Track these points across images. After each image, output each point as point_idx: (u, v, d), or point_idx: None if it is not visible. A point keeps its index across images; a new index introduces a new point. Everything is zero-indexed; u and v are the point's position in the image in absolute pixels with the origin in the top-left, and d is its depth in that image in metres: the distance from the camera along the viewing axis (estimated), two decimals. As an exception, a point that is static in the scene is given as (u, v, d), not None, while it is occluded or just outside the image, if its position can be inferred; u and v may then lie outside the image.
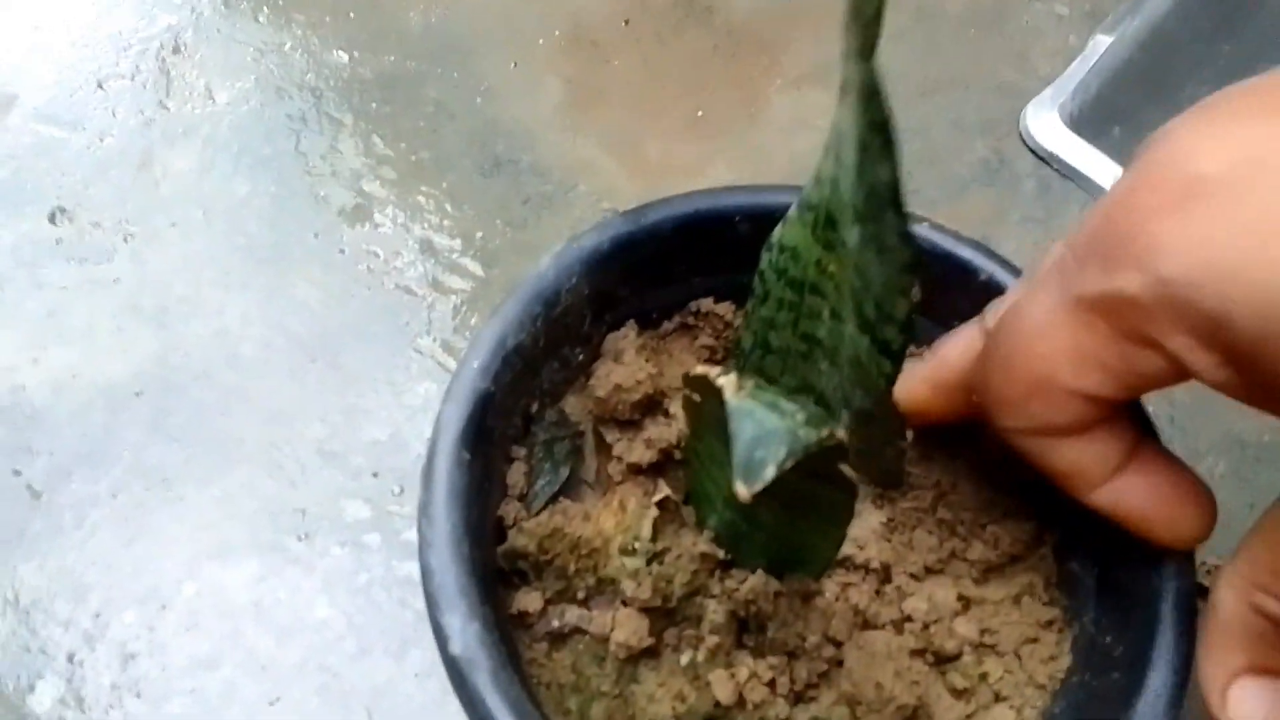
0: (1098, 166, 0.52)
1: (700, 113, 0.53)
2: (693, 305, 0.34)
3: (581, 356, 0.33)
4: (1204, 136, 0.23)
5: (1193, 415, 0.45)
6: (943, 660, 0.29)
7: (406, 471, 0.42)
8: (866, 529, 0.31)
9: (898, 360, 0.24)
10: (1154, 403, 0.46)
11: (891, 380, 0.25)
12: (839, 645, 0.29)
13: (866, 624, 0.29)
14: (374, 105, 0.51)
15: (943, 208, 0.51)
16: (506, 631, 0.28)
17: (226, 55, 0.52)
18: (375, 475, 0.42)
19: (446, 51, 0.53)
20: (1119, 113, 0.50)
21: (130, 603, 0.39)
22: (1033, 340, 0.25)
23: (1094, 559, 0.31)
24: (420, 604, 0.38)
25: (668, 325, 0.34)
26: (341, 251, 0.47)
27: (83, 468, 0.41)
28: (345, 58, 0.53)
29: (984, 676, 0.29)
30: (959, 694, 0.29)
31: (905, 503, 0.32)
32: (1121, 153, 0.51)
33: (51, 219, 0.47)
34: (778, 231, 0.27)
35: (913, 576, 0.31)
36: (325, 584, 0.39)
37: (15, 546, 0.39)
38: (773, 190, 0.33)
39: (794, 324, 0.28)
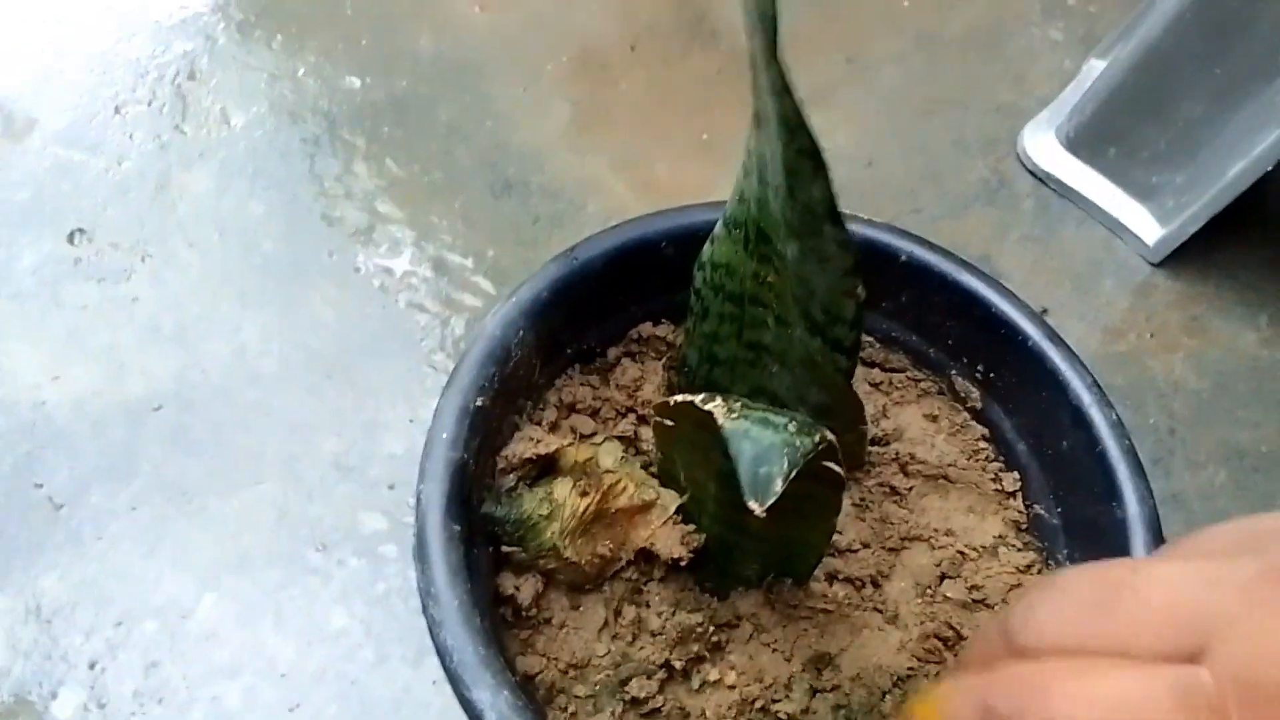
0: (1094, 186, 0.53)
1: (705, 135, 0.54)
2: (633, 333, 0.35)
3: (530, 407, 0.33)
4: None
5: (1192, 426, 0.46)
6: (946, 639, 0.30)
7: (422, 484, 0.42)
8: (841, 514, 0.31)
9: (852, 354, 0.26)
10: (1154, 415, 0.47)
11: (848, 374, 0.27)
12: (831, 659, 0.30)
13: (855, 625, 0.30)
14: (386, 129, 0.52)
15: (944, 225, 0.52)
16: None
17: (241, 81, 0.53)
18: (391, 488, 0.42)
19: (457, 76, 0.55)
20: (1114, 134, 0.51)
21: (151, 612, 0.39)
22: None
23: (1056, 501, 0.32)
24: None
25: (614, 352, 0.35)
26: (356, 270, 0.48)
27: (103, 482, 0.42)
28: (358, 83, 0.54)
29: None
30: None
31: (870, 480, 0.33)
32: (1117, 173, 0.52)
33: (71, 239, 0.48)
34: (707, 250, 0.28)
35: (890, 550, 0.32)
36: (343, 594, 0.40)
37: (37, 558, 0.40)
38: (693, 210, 0.33)
39: (738, 335, 0.29)
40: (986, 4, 0.61)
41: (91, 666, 0.38)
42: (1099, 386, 0.31)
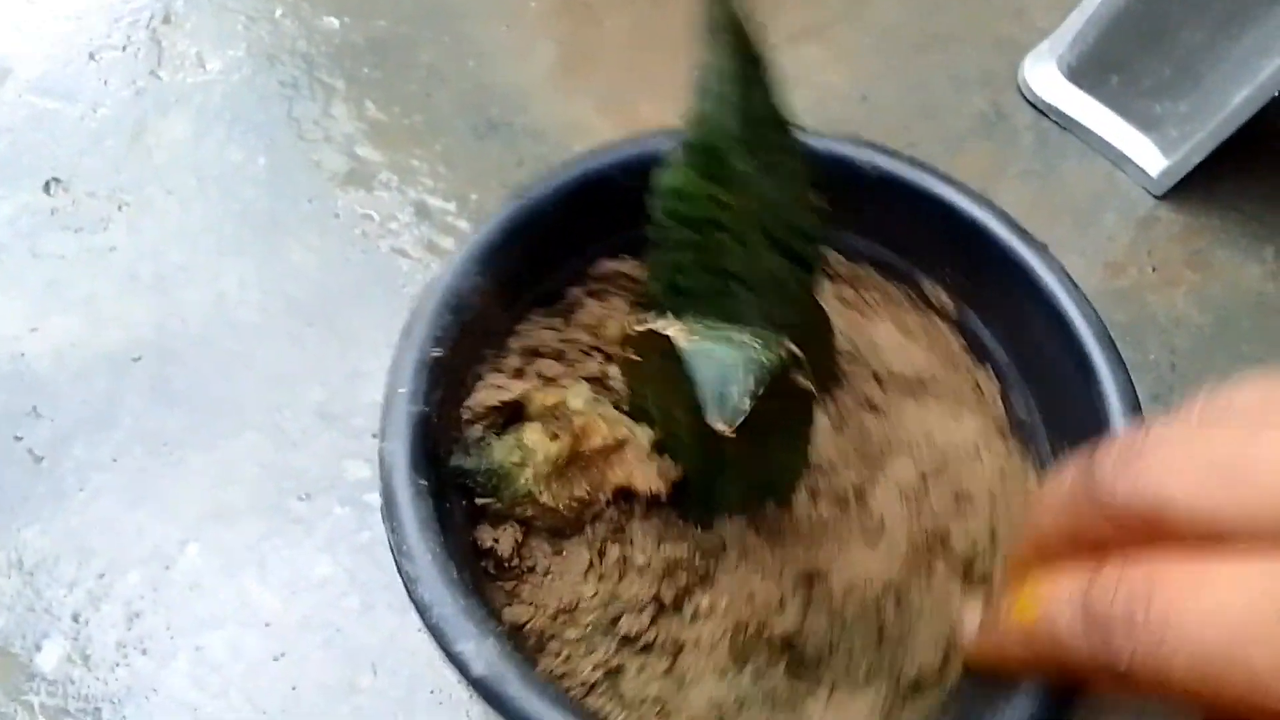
0: (1096, 117, 0.51)
1: (695, 74, 0.53)
2: (593, 270, 0.33)
3: (493, 355, 0.32)
4: None
5: (1194, 362, 0.45)
6: (933, 545, 0.30)
7: (406, 431, 0.42)
8: (818, 431, 0.31)
9: (813, 269, 0.26)
10: (1155, 350, 0.46)
11: (810, 289, 0.27)
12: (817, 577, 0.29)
13: (843, 539, 0.30)
14: (366, 70, 0.51)
15: (941, 161, 0.50)
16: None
17: (217, 24, 0.52)
18: (375, 436, 0.41)
19: (438, 15, 0.53)
20: (1116, 62, 0.50)
21: (134, 563, 0.39)
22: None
23: (1037, 401, 0.32)
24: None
25: (575, 292, 0.34)
26: (336, 216, 0.47)
27: (84, 433, 0.41)
28: (336, 23, 0.53)
29: (974, 544, 0.30)
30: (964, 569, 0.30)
31: (846, 396, 0.32)
32: (1119, 103, 0.50)
33: (47, 189, 0.47)
34: (659, 176, 0.27)
35: (872, 462, 0.31)
36: (328, 542, 0.39)
37: (19, 511, 0.40)
38: (648, 139, 0.32)
39: (701, 263, 0.28)
40: (986, -68, 0.59)
41: (75, 618, 0.38)
42: (1071, 281, 0.30)
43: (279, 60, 0.51)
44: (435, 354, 0.28)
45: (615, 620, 0.29)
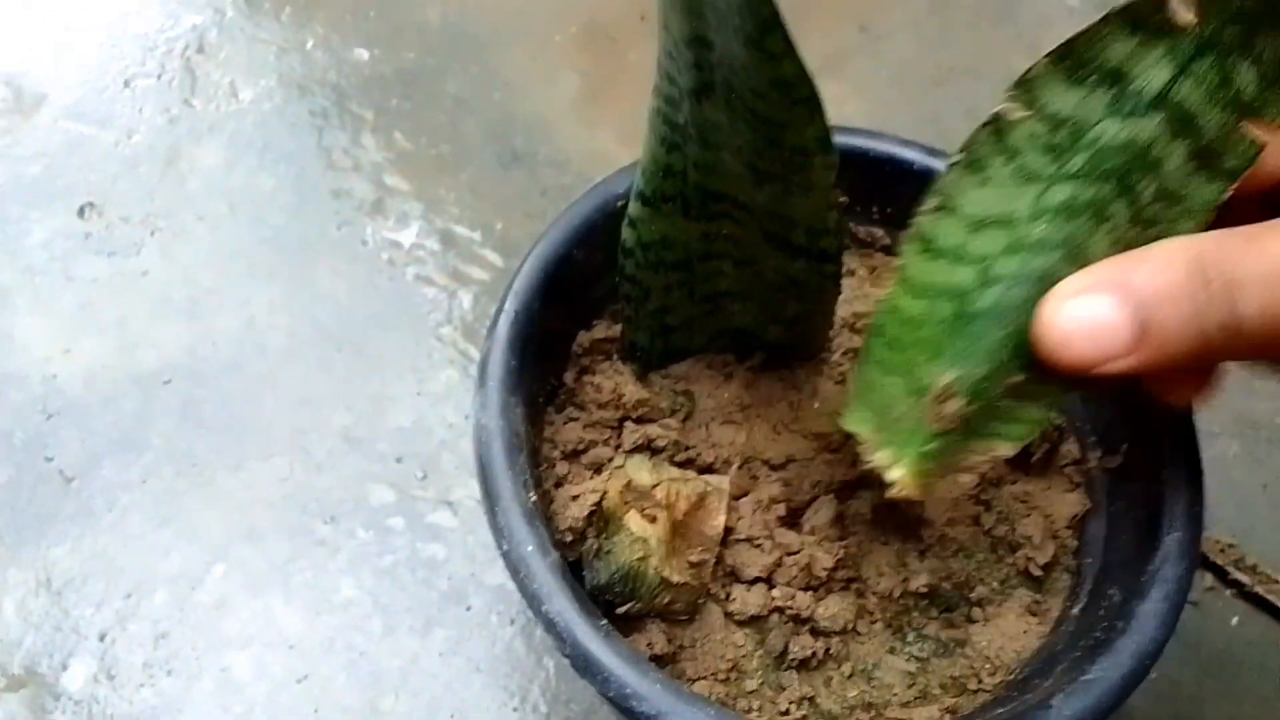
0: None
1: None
2: (575, 348, 0.34)
3: (543, 474, 0.32)
4: None
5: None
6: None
7: (429, 457, 0.42)
8: (832, 396, 0.33)
9: (838, 258, 0.27)
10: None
11: (838, 276, 0.28)
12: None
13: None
14: (394, 101, 0.52)
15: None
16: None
17: (250, 54, 0.53)
18: (399, 460, 0.42)
19: (465, 47, 0.54)
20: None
21: (161, 583, 0.39)
22: None
23: None
24: (444, 585, 0.39)
25: (569, 377, 0.34)
26: (364, 243, 0.48)
27: (114, 454, 0.42)
28: (366, 55, 0.54)
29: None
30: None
31: (834, 355, 0.34)
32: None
33: (81, 214, 0.48)
34: (630, 235, 0.28)
35: None
36: (351, 565, 0.40)
37: (47, 530, 0.40)
38: (579, 207, 0.32)
39: (690, 297, 0.29)
40: (1002, -30, 0.60)
41: (101, 638, 0.38)
42: None
43: (309, 90, 0.52)
44: (532, 499, 0.28)
45: (781, 654, 0.29)
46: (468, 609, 0.39)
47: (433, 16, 0.55)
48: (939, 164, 0.33)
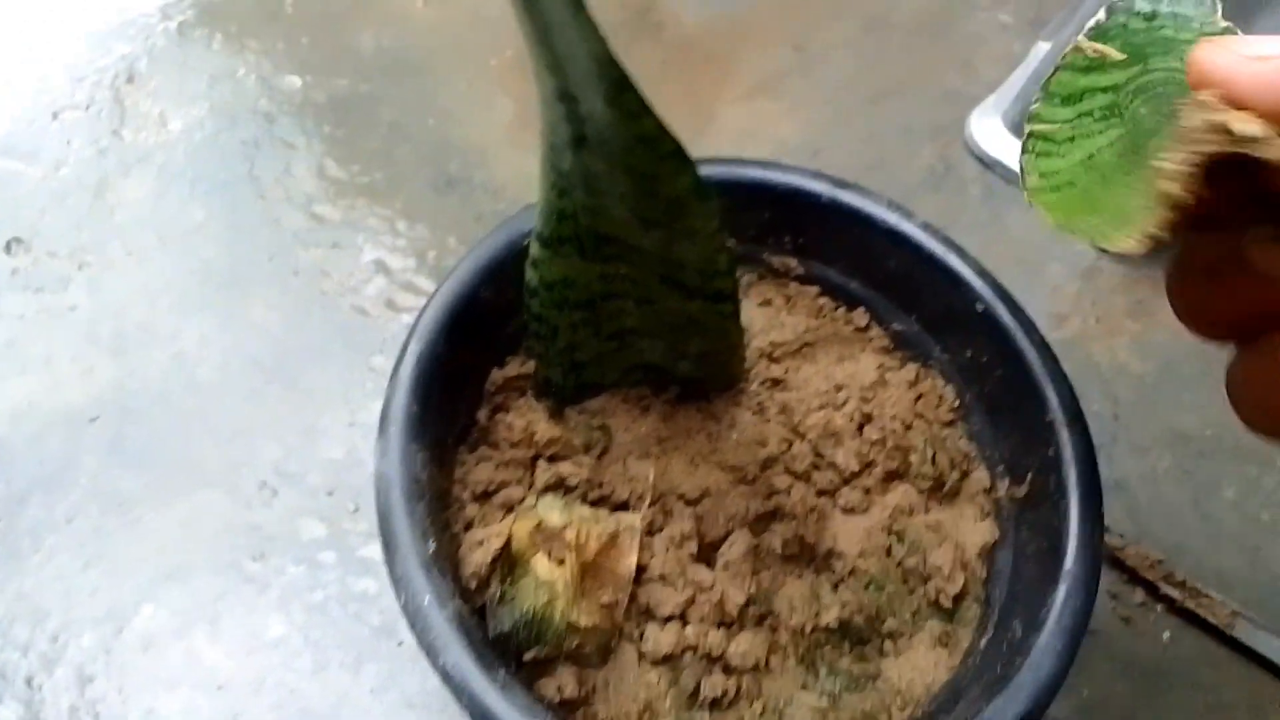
0: (1041, 170, 0.52)
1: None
2: (488, 386, 0.34)
3: (453, 515, 0.32)
4: None
5: (1136, 411, 0.46)
6: (890, 475, 0.32)
7: (362, 489, 0.42)
8: (749, 424, 0.33)
9: (734, 297, 0.28)
10: (1097, 401, 0.47)
11: (736, 315, 0.29)
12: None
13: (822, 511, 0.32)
14: (327, 128, 0.52)
15: (890, 214, 0.52)
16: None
17: (180, 83, 0.53)
18: (330, 494, 0.42)
19: (399, 73, 0.54)
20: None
21: (88, 625, 0.39)
22: None
23: (907, 311, 0.36)
24: (376, 619, 0.39)
25: (482, 415, 0.34)
26: (296, 274, 0.47)
27: (40, 494, 0.41)
28: (298, 82, 0.53)
29: (923, 455, 0.32)
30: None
31: (753, 384, 0.35)
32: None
33: (8, 249, 0.47)
34: (533, 275, 0.28)
35: (803, 433, 0.33)
36: (281, 601, 0.40)
37: (-26, 574, 0.40)
38: (485, 248, 0.33)
39: (596, 334, 0.29)
40: (936, -13, 0.61)
41: (28, 682, 0.38)
42: (898, 205, 0.33)
43: (241, 119, 0.52)
44: (432, 549, 0.28)
45: (694, 693, 0.29)
46: (399, 644, 0.39)
47: (366, 43, 0.55)
48: (846, 196, 0.33)
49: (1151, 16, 0.24)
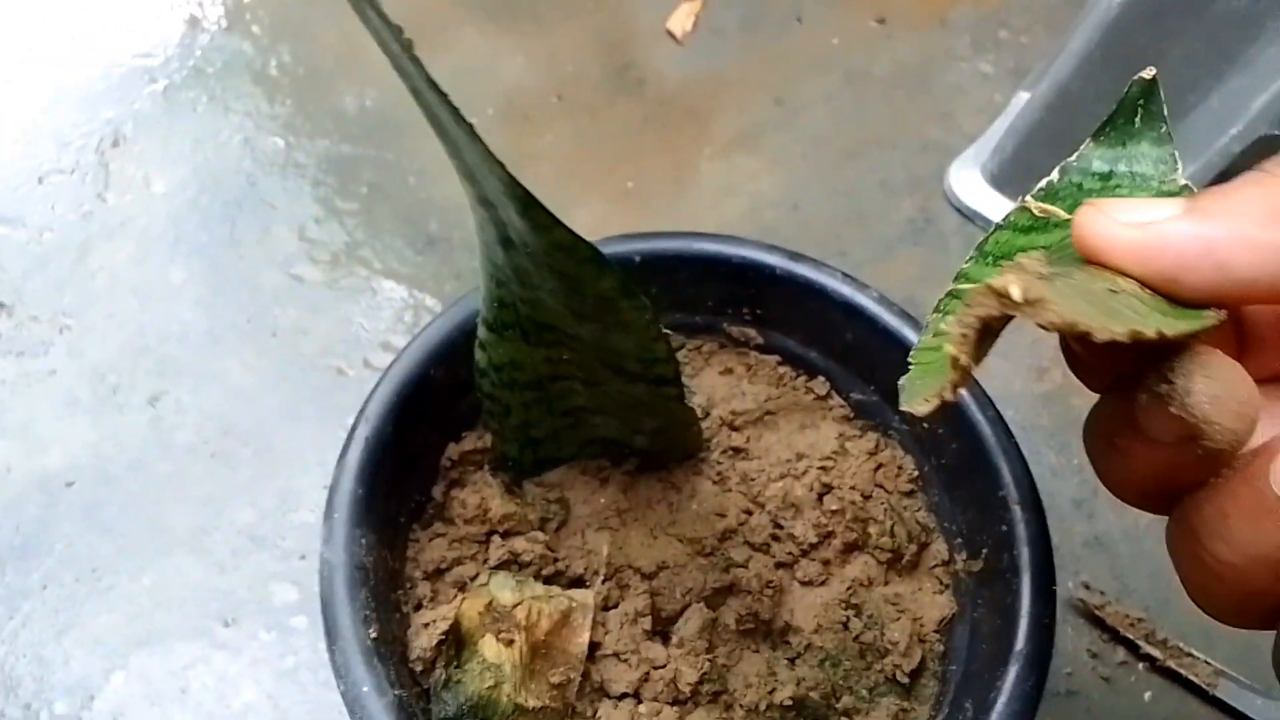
0: (1021, 221, 0.52)
1: (631, 183, 0.54)
2: (444, 461, 0.34)
3: (403, 595, 0.32)
4: None
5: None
6: (850, 546, 0.32)
7: (335, 552, 0.42)
8: (711, 496, 0.33)
9: (676, 382, 0.28)
10: (1078, 454, 0.46)
11: (680, 397, 0.29)
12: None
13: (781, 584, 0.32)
14: (308, 188, 0.53)
15: (869, 268, 0.52)
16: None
17: (165, 146, 0.54)
18: (303, 558, 0.42)
19: (381, 133, 0.55)
20: (1035, 171, 0.50)
21: (60, 693, 0.39)
22: None
23: (865, 380, 0.36)
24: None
25: (438, 491, 0.34)
26: (274, 335, 0.48)
27: (15, 560, 0.42)
28: (281, 143, 0.54)
29: (882, 526, 0.32)
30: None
31: (714, 454, 0.35)
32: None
33: (-9, 313, 0.48)
34: (482, 357, 0.29)
35: (762, 504, 0.33)
36: (252, 668, 0.40)
37: (-53, 642, 0.40)
38: (436, 327, 0.33)
39: (549, 411, 0.30)
40: (916, 39, 0.61)
41: (-3, 752, 0.38)
42: (852, 278, 0.34)
43: (224, 181, 0.52)
44: (374, 635, 0.28)
45: None
46: (368, 711, 0.39)
47: (349, 104, 0.56)
48: (800, 268, 0.33)
49: (1108, 176, 0.23)
